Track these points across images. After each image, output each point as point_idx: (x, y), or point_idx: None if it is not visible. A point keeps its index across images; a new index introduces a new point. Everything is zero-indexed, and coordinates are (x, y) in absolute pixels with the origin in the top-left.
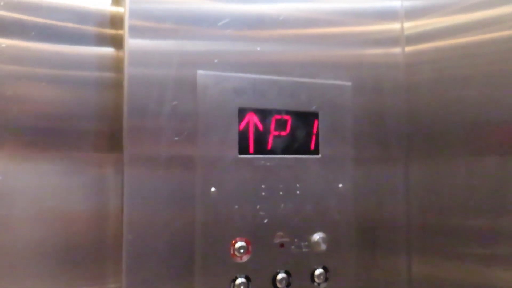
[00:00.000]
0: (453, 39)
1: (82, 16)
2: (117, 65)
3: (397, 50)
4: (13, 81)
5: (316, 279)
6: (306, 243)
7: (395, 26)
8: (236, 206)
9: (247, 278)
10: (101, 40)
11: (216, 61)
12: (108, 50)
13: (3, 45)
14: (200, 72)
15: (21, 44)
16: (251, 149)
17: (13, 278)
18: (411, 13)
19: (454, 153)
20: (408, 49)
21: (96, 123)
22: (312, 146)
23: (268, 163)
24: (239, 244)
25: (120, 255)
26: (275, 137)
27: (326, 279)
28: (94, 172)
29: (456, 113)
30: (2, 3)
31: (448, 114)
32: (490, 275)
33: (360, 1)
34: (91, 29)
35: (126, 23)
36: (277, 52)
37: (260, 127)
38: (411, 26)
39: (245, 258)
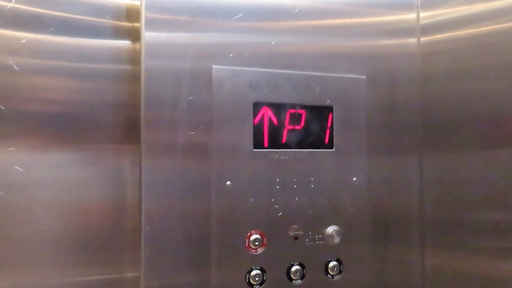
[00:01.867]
0: (470, 28)
1: (99, 9)
2: (133, 58)
3: (412, 40)
4: (33, 75)
5: (330, 272)
6: (320, 236)
7: (411, 16)
8: (251, 199)
9: (262, 270)
10: (118, 33)
11: (231, 55)
12: (125, 43)
13: (24, 41)
14: (215, 66)
15: (40, 38)
16: (266, 143)
17: (35, 267)
18: (427, 3)
19: (469, 145)
20: (423, 39)
21: (113, 115)
22: (326, 140)
23: (283, 157)
24: (254, 236)
25: (137, 245)
26: (289, 131)
27: (340, 272)
28: (111, 163)
29: (472, 105)
30: None
31: (464, 106)
32: (504, 268)
33: None
34: (108, 22)
35: (143, 16)
36: (292, 45)
37: (275, 121)
38: (426, 16)
39: (260, 250)
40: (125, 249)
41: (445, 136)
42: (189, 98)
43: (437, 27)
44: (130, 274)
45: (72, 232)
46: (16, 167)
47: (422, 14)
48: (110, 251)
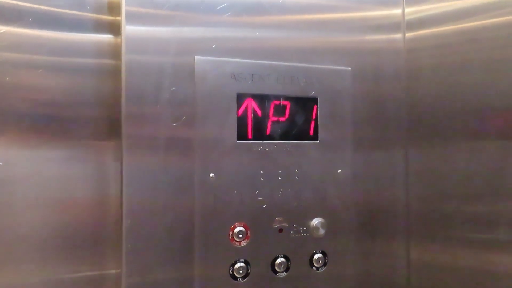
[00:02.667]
0: (454, 24)
1: (79, 2)
2: (115, 52)
3: (398, 35)
4: (12, 68)
5: (315, 264)
6: (305, 228)
7: (396, 11)
8: (235, 192)
9: (246, 262)
10: (99, 27)
11: (214, 46)
12: (106, 37)
13: (1, 31)
14: (198, 57)
15: (19, 31)
16: (250, 135)
17: (15, 264)
18: None
19: (454, 138)
20: (409, 34)
21: (94, 110)
22: (311, 132)
23: (267, 149)
24: (238, 229)
25: (120, 241)
26: (273, 122)
27: (325, 264)
28: (93, 159)
29: (456, 99)
30: None
31: (448, 100)
32: (488, 260)
33: None
34: (89, 15)
35: (123, 9)
36: (276, 37)
37: (259, 112)
38: (412, 11)
39: (244, 243)
40: (108, 245)
41: (430, 130)
42: (171, 89)
43: (422, 22)
44: (113, 271)
45: (54, 229)
46: None
47: (407, 10)
48: (92, 247)
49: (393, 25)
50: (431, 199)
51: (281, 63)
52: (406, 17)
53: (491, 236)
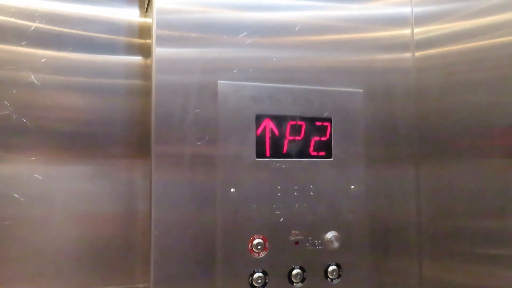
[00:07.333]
0: (462, 44)
1: (113, 27)
2: (144, 73)
3: (407, 55)
4: (52, 90)
5: (329, 275)
6: (320, 241)
7: (406, 31)
8: (254, 206)
9: (264, 272)
10: (131, 49)
11: (235, 71)
12: (137, 59)
13: (44, 60)
14: (220, 81)
15: (60, 55)
16: (268, 153)
17: (48, 275)
18: (421, 19)
19: (463, 156)
20: (418, 54)
21: (126, 130)
22: (325, 150)
23: (284, 166)
24: (256, 241)
25: (147, 256)
26: (290, 141)
27: (339, 276)
28: (123, 176)
29: (464, 117)
30: (45, 19)
31: (457, 118)
32: (500, 276)
33: (371, 8)
34: (122, 39)
35: (154, 33)
36: (292, 60)
37: (276, 132)
38: (421, 31)
39: (262, 254)
40: (136, 261)
41: (440, 148)
42: (196, 111)
43: (430, 42)
44: (141, 285)
45: (86, 243)
46: (36, 175)
47: (416, 30)
48: (122, 262)
49: (403, 45)
50: (442, 216)
51: (296, 86)
52: (415, 37)
53: (503, 252)
